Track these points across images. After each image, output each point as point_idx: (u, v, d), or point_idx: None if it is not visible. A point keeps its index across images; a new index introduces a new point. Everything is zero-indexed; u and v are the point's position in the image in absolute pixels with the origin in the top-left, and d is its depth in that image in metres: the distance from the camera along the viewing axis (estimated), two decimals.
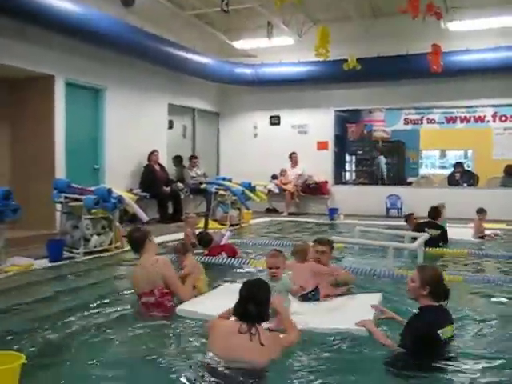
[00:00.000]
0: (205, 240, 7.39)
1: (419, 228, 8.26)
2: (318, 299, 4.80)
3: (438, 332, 3.43)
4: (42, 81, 9.26)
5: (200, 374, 3.14)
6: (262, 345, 3.21)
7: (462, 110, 13.99)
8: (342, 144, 15.17)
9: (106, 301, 5.12)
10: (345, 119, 15.39)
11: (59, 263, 6.77)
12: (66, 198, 7.52)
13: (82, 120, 10.30)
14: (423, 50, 11.07)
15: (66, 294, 5.40)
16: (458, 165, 14.34)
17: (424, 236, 7.41)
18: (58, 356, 3.71)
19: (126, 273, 6.22)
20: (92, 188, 7.76)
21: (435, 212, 8.52)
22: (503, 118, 13.75)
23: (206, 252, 7.17)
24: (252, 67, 13.76)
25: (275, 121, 14.67)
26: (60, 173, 9.26)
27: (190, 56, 12.09)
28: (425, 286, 3.60)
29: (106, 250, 7.56)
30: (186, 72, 12.38)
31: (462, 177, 13.84)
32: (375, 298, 4.69)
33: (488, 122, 13.93)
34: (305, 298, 4.81)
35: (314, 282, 4.88)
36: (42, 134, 9.33)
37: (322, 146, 14.19)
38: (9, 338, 4.05)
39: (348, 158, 15.75)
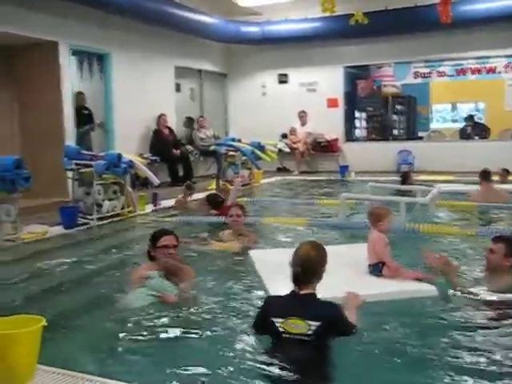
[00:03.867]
0: (216, 201, 7.39)
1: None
2: (376, 275, 4.34)
3: (274, 319, 3.02)
4: (46, 48, 9.17)
5: None
6: None
7: (472, 61, 13.71)
8: (351, 101, 14.98)
9: (122, 264, 5.20)
10: (354, 76, 15.15)
11: (74, 230, 6.84)
12: (76, 164, 7.55)
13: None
14: (432, 1, 10.80)
15: (83, 260, 5.47)
16: (469, 118, 14.16)
17: (435, 190, 7.38)
18: (77, 320, 3.78)
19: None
20: (102, 154, 7.78)
21: (404, 176, 9.32)
22: None
23: (217, 212, 7.18)
24: (258, 25, 13.55)
25: (283, 79, 14.51)
26: (69, 140, 9.27)
27: (194, 17, 11.91)
28: None
29: (119, 215, 7.62)
30: (191, 33, 12.22)
31: (474, 130, 13.68)
32: (430, 290, 4.08)
33: (500, 72, 13.64)
34: (369, 269, 4.44)
35: (374, 258, 4.38)
36: (49, 102, 9.30)
37: (332, 103, 14.05)
38: (29, 303, 4.14)
39: (358, 114, 15.57)
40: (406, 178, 9.21)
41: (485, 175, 8.26)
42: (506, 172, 9.66)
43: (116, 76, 10.61)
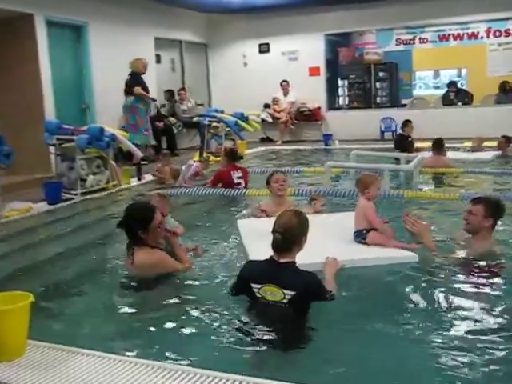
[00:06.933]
0: (234, 154, 7.57)
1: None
2: (360, 242, 4.29)
3: (252, 285, 3.10)
4: (21, 21, 8.94)
5: None
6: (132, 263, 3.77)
7: (454, 27, 13.67)
8: (333, 69, 14.91)
9: (109, 239, 5.17)
10: (336, 43, 15.05)
11: (58, 205, 6.79)
12: (58, 139, 7.46)
13: (67, 59, 10.07)
14: None
15: (68, 234, 5.47)
16: (452, 84, 14.14)
17: (419, 157, 7.42)
18: (65, 295, 3.79)
19: None
20: (84, 128, 7.69)
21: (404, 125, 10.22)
22: (497, 34, 13.46)
23: (209, 183, 7.24)
24: None
25: (264, 49, 14.36)
26: (50, 115, 9.12)
27: None
28: None
29: (104, 189, 7.57)
30: (171, 3, 12.00)
31: (457, 96, 13.68)
32: (410, 256, 4.05)
33: (482, 38, 13.64)
34: (354, 235, 4.39)
35: (361, 224, 4.31)
36: (27, 77, 9.09)
37: (314, 71, 13.96)
38: (15, 279, 4.13)
39: (340, 82, 15.50)
40: (404, 125, 10.08)
41: (437, 147, 8.31)
42: (507, 139, 9.38)
43: (94, 48, 10.40)
